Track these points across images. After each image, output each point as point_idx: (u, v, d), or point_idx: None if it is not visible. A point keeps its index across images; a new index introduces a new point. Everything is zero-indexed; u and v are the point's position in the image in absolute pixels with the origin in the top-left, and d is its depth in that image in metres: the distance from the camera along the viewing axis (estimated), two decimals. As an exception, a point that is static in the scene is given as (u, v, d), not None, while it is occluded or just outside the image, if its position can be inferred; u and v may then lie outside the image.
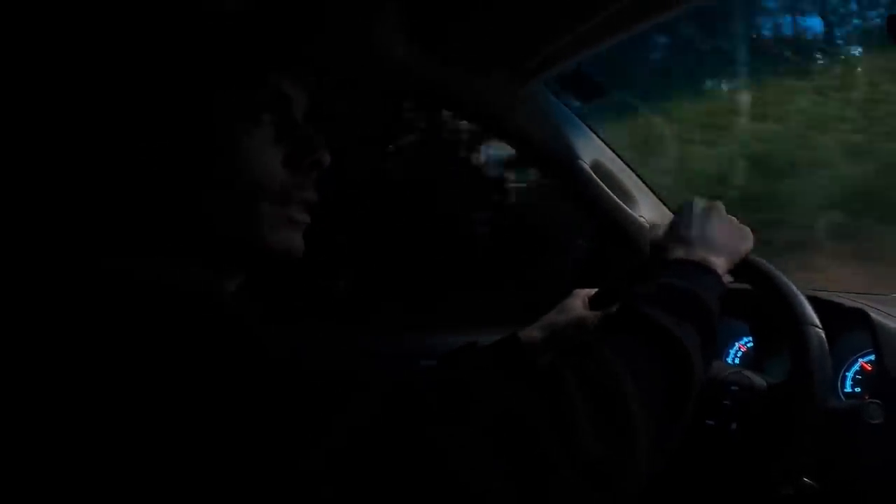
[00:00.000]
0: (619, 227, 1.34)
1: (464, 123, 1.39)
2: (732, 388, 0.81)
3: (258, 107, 0.64)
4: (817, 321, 0.77)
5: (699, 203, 0.84)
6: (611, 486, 0.56)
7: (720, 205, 0.85)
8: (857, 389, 1.01)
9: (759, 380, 0.80)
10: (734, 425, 0.78)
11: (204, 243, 0.63)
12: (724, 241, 0.79)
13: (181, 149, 0.62)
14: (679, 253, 0.77)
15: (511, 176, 1.49)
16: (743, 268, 0.83)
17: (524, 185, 1.48)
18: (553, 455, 0.53)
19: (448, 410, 0.53)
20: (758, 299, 0.89)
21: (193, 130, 0.62)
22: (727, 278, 0.77)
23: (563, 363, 0.61)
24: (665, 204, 1.41)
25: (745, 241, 0.82)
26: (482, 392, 0.56)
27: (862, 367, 1.02)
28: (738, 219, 0.85)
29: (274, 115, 0.66)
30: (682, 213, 0.83)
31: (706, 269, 0.74)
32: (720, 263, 0.76)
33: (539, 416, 0.55)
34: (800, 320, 0.76)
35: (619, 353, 0.62)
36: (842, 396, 1.01)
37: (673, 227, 0.82)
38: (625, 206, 1.35)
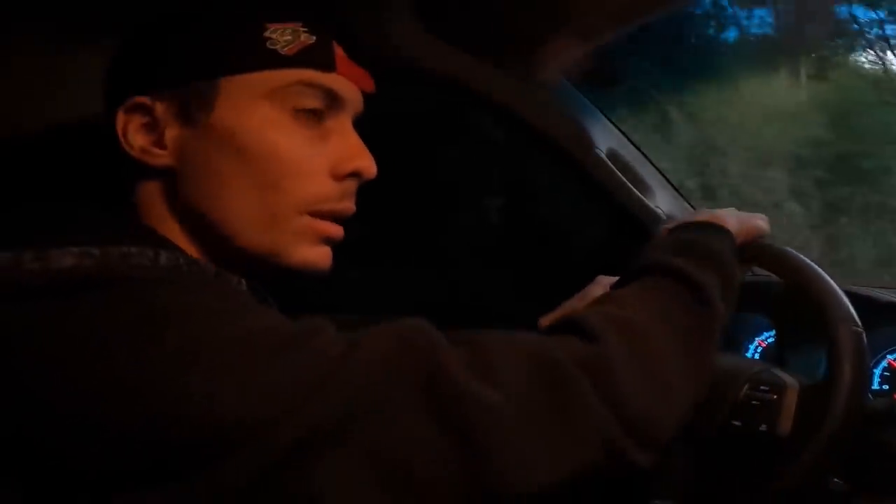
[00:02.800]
0: (635, 217, 1.31)
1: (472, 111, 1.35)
2: (762, 387, 0.77)
3: (304, 102, 0.58)
4: (858, 321, 0.73)
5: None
6: (653, 439, 0.57)
7: None
8: (885, 387, 0.98)
9: (791, 380, 0.76)
10: (763, 427, 0.75)
11: (223, 253, 0.59)
12: (733, 212, 0.80)
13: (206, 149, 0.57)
14: (688, 218, 0.78)
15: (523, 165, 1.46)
16: (776, 261, 0.81)
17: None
18: (594, 409, 0.53)
19: (479, 371, 0.51)
20: (783, 292, 0.86)
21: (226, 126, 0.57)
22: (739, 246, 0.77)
23: (596, 313, 0.60)
24: (681, 194, 1.38)
25: (759, 217, 0.82)
26: (510, 343, 0.55)
27: (889, 364, 0.99)
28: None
29: (322, 117, 0.60)
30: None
31: (715, 226, 0.75)
32: (731, 223, 0.76)
33: (579, 371, 0.54)
34: (840, 320, 0.72)
35: (640, 293, 0.64)
36: (869, 395, 0.99)
37: (687, 214, 0.86)
38: (641, 196, 1.32)
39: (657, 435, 0.58)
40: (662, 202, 1.35)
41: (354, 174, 0.61)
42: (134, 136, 0.57)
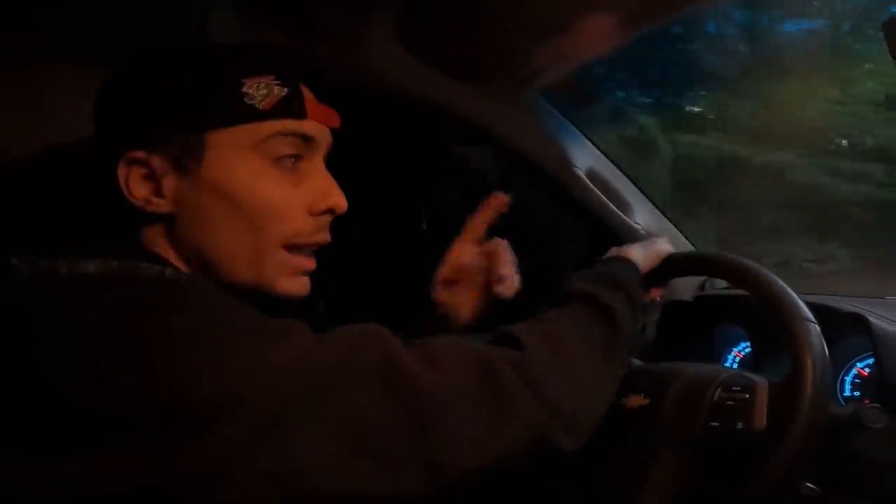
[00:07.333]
0: (614, 234, 1.34)
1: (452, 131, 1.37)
2: (734, 388, 0.80)
3: (283, 149, 0.65)
4: (811, 316, 0.78)
5: None
6: (574, 425, 0.70)
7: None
8: (857, 394, 1.01)
9: (760, 379, 0.80)
10: (740, 424, 0.78)
11: (219, 285, 0.64)
12: (639, 244, 0.96)
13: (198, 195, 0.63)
14: (606, 256, 0.95)
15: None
16: (733, 272, 0.87)
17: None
18: (521, 395, 0.65)
19: (428, 365, 0.62)
20: (753, 304, 0.89)
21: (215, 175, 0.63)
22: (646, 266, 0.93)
23: (516, 326, 0.74)
24: (660, 210, 1.41)
25: (660, 242, 0.98)
26: (450, 343, 0.66)
27: (858, 371, 1.02)
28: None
29: (298, 160, 0.67)
30: None
31: (622, 258, 0.91)
32: (633, 254, 0.92)
33: (507, 367, 0.66)
34: (794, 316, 0.77)
35: (559, 313, 0.78)
36: (842, 401, 1.01)
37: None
38: (620, 213, 1.35)
39: (577, 423, 0.71)
40: (641, 218, 1.38)
41: (328, 211, 0.69)
42: (136, 186, 0.63)
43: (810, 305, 0.79)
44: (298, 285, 0.69)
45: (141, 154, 0.62)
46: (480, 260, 0.93)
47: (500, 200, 0.96)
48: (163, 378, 0.50)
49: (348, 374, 0.57)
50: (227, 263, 0.65)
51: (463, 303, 0.92)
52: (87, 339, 0.51)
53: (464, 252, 0.93)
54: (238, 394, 0.52)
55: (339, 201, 0.69)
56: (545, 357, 0.70)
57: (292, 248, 0.67)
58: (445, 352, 0.64)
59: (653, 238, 1.01)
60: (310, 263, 0.69)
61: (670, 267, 0.95)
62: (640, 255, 0.93)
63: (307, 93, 0.68)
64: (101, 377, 0.49)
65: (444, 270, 0.93)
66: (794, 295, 0.80)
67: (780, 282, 0.82)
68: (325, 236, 0.70)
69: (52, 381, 0.49)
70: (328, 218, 0.69)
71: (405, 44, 1.03)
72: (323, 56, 1.03)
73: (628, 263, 0.90)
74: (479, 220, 0.95)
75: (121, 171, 0.63)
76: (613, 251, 0.95)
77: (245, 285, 0.66)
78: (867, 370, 1.00)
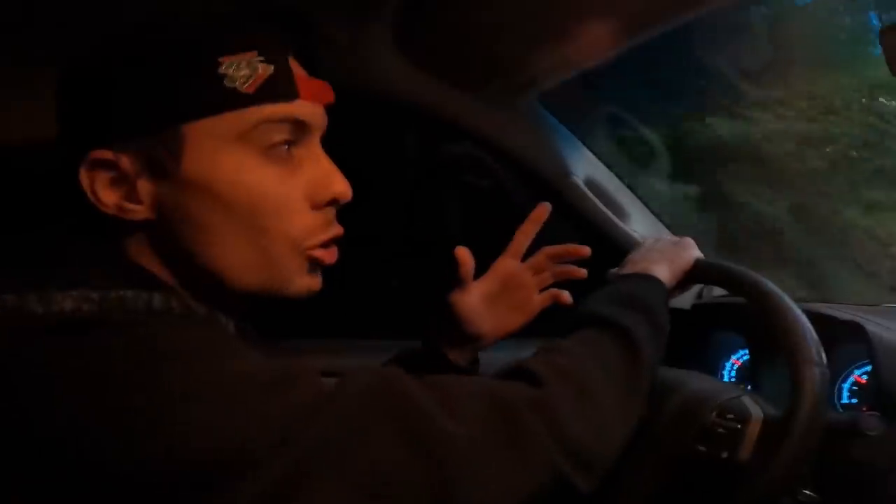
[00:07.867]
0: (612, 242, 1.34)
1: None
2: (728, 416, 0.79)
3: (274, 137, 0.56)
4: (822, 358, 0.75)
5: (649, 239, 0.97)
6: (593, 465, 0.65)
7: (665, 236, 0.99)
8: (855, 400, 1.01)
9: (756, 410, 0.78)
10: (725, 454, 0.77)
11: (218, 293, 0.59)
12: (664, 254, 0.89)
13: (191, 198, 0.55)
14: (625, 271, 0.88)
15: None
16: (741, 286, 0.85)
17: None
18: (540, 438, 0.61)
19: (441, 407, 0.57)
20: (752, 312, 0.88)
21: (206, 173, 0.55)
22: (671, 281, 0.86)
23: (534, 359, 0.69)
24: (659, 219, 1.41)
25: (686, 249, 0.90)
26: (468, 386, 0.62)
27: (856, 379, 1.01)
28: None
29: (292, 146, 0.58)
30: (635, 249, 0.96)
31: (645, 276, 0.84)
32: (660, 270, 0.85)
33: (525, 408, 0.61)
34: (804, 358, 0.74)
35: (581, 344, 0.72)
36: (839, 408, 1.01)
37: (627, 259, 0.92)
38: (618, 221, 1.35)
39: (595, 463, 0.66)
40: (640, 227, 1.38)
41: (332, 201, 0.61)
42: (104, 192, 0.54)
43: (808, 313, 0.78)
44: (313, 282, 0.62)
45: (106, 154, 0.53)
46: (525, 276, 0.91)
47: (541, 212, 0.93)
48: (157, 438, 0.44)
49: (364, 424, 0.52)
50: (230, 271, 0.57)
51: (499, 320, 0.90)
52: (66, 393, 0.44)
53: (508, 267, 0.91)
54: (257, 447, 0.46)
55: (344, 189, 0.60)
56: (564, 396, 0.65)
57: (308, 248, 0.60)
58: (463, 395, 0.59)
59: (677, 240, 0.93)
60: (330, 256, 0.62)
61: (695, 274, 0.89)
62: (666, 270, 0.85)
63: (296, 68, 0.58)
64: (84, 436, 0.44)
65: (484, 285, 0.90)
66: (809, 329, 0.77)
67: (796, 310, 0.78)
68: (337, 229, 0.62)
69: (35, 439, 0.44)
70: (334, 209, 0.61)
71: (403, 49, 1.04)
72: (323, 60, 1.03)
73: (653, 281, 0.83)
74: (523, 235, 0.92)
75: (84, 176, 0.54)
76: (636, 263, 0.87)
77: (253, 292, 0.59)
78: (865, 378, 1.00)
